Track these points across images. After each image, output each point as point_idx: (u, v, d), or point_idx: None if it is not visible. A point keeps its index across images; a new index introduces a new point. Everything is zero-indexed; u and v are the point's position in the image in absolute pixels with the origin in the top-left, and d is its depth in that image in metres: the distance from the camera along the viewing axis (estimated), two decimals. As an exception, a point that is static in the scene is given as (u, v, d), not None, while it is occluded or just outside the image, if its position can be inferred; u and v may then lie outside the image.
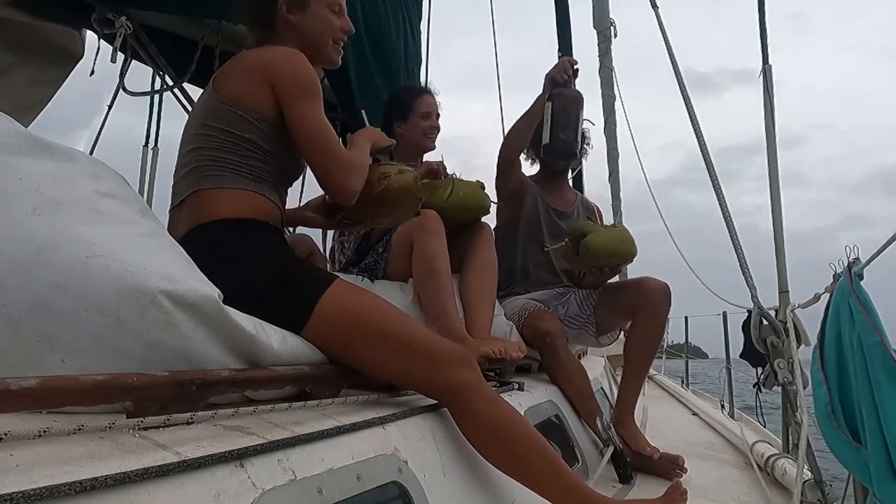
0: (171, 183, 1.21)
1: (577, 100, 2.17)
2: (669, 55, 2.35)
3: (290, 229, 1.96)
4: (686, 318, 6.50)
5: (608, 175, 4.54)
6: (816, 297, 1.63)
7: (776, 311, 1.96)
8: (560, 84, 2.14)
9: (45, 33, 2.02)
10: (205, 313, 0.76)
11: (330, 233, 2.51)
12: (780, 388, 1.93)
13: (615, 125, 4.59)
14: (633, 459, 1.94)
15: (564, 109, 2.13)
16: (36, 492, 0.46)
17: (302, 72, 1.16)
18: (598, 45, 4.59)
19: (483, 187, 1.91)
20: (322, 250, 2.21)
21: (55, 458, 0.52)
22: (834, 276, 1.45)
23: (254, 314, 0.89)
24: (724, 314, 4.76)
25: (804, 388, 1.73)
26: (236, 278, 0.93)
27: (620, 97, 4.59)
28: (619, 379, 2.94)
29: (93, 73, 2.03)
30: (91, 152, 2.45)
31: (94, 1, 1.80)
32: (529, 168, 2.55)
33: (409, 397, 1.13)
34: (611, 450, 1.85)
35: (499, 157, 2.34)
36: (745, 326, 2.09)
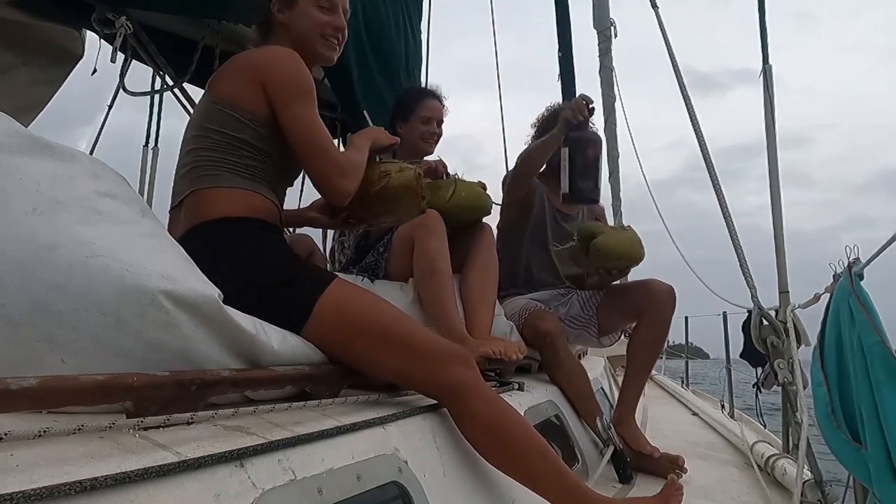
0: (171, 183, 1.22)
1: (596, 144, 2.02)
2: (669, 55, 2.35)
3: (292, 229, 1.96)
4: (686, 318, 6.50)
5: (608, 175, 4.54)
6: (816, 298, 1.63)
7: (776, 311, 1.96)
8: (575, 126, 1.99)
9: (45, 33, 2.02)
10: (205, 313, 0.76)
11: (330, 233, 2.52)
12: (779, 389, 1.93)
13: (615, 125, 4.59)
14: (634, 459, 1.94)
15: (583, 157, 1.98)
16: (36, 492, 0.46)
17: (293, 72, 1.15)
18: (599, 45, 4.59)
19: (485, 188, 1.91)
20: (322, 250, 2.22)
21: (55, 458, 0.52)
22: (834, 276, 1.45)
23: (253, 313, 0.89)
24: (724, 314, 4.77)
25: (804, 388, 1.73)
26: (235, 277, 0.93)
27: (620, 97, 4.60)
28: (619, 379, 2.94)
29: (94, 71, 2.04)
30: (92, 151, 2.46)
31: (94, 1, 1.80)
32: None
33: (409, 397, 1.13)
34: (611, 450, 1.85)
35: (512, 175, 2.31)
36: (746, 326, 2.09)
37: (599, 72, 4.61)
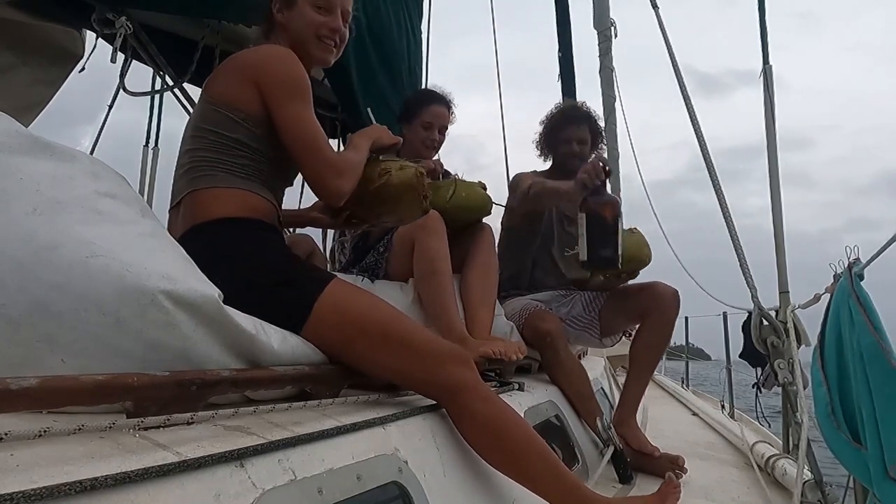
0: (171, 183, 1.22)
1: (614, 208, 1.89)
2: (670, 55, 2.35)
3: (292, 229, 1.96)
4: (686, 318, 6.49)
5: (608, 175, 4.53)
6: (817, 298, 1.63)
7: (776, 311, 1.96)
8: (591, 189, 1.87)
9: (45, 33, 2.02)
10: (205, 313, 0.76)
11: (330, 233, 2.52)
12: (779, 389, 1.93)
13: (615, 125, 4.58)
14: (634, 459, 1.94)
15: (601, 224, 1.86)
16: (36, 492, 0.46)
17: (288, 71, 1.14)
18: (599, 45, 4.59)
19: (485, 188, 1.91)
20: (322, 250, 2.21)
21: (55, 458, 0.52)
22: (834, 276, 1.45)
23: (253, 313, 0.89)
24: (725, 314, 4.76)
25: (804, 388, 1.73)
26: (234, 277, 0.93)
27: (620, 97, 4.59)
28: (619, 379, 2.93)
29: (83, 69, 2.04)
30: (93, 151, 2.46)
31: (94, 1, 1.80)
32: (543, 163, 2.50)
33: (409, 397, 1.13)
34: (611, 450, 1.85)
35: (525, 200, 2.24)
36: (746, 327, 2.09)
37: (599, 72, 4.60)
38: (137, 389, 0.64)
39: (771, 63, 2.25)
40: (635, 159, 4.58)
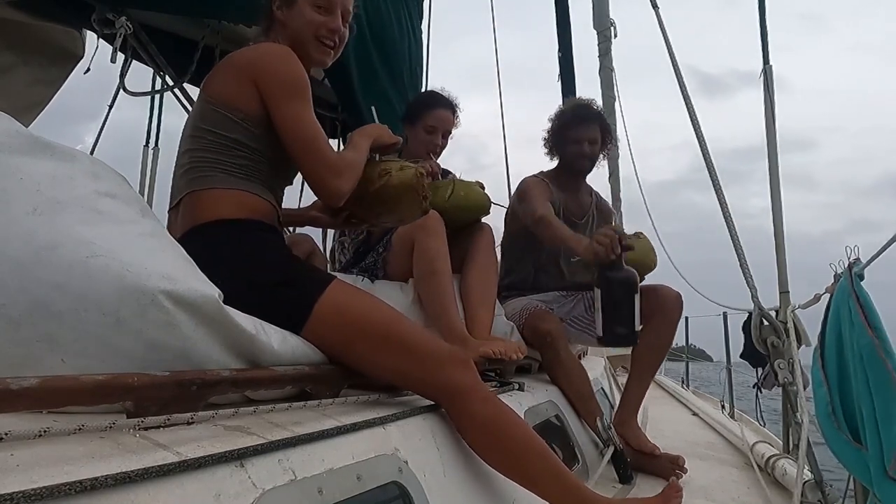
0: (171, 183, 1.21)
1: (631, 284, 1.81)
2: (670, 55, 2.35)
3: (292, 229, 1.96)
4: (686, 318, 6.48)
5: (608, 175, 4.54)
6: (817, 298, 1.63)
7: (777, 311, 1.96)
8: (606, 262, 1.79)
9: (45, 33, 2.02)
10: (205, 313, 0.76)
11: (330, 233, 2.52)
12: (780, 389, 1.93)
13: (615, 125, 4.59)
14: (634, 459, 1.94)
15: (616, 302, 1.80)
16: (36, 492, 0.46)
17: (287, 69, 1.13)
18: (598, 45, 4.59)
19: (483, 187, 1.90)
20: (322, 250, 2.21)
21: (55, 457, 0.52)
22: (835, 276, 1.45)
23: (253, 313, 0.89)
24: (725, 314, 4.76)
25: (804, 388, 1.73)
26: (234, 278, 0.93)
27: (619, 98, 4.60)
28: (619, 379, 2.92)
29: (87, 70, 2.04)
30: (93, 151, 2.46)
31: (94, 1, 1.80)
32: (549, 162, 2.46)
33: (410, 397, 1.13)
34: (611, 450, 1.85)
35: (532, 224, 2.20)
36: (746, 327, 2.09)
37: (599, 72, 4.61)
38: (137, 389, 0.64)
39: (771, 63, 2.25)
40: (632, 159, 4.58)
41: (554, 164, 2.46)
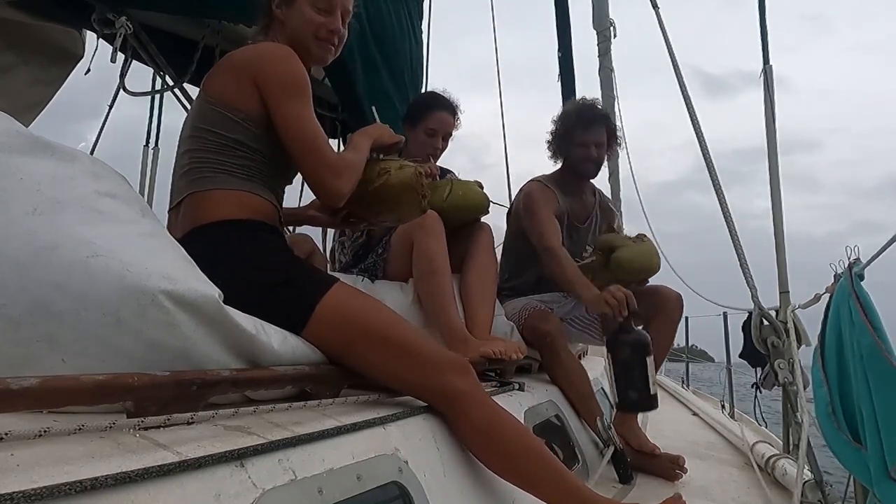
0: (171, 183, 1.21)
1: (643, 348, 1.79)
2: (670, 55, 2.35)
3: (292, 228, 1.96)
4: (686, 318, 6.48)
5: (608, 175, 4.54)
6: (817, 298, 1.63)
7: (777, 311, 1.96)
8: (615, 324, 1.79)
9: (45, 33, 2.02)
10: (205, 313, 0.76)
11: (330, 232, 2.51)
12: (780, 389, 1.93)
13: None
14: (634, 459, 1.93)
15: (628, 367, 1.78)
16: (36, 491, 0.46)
17: (286, 68, 1.13)
18: (598, 45, 4.59)
19: (482, 187, 1.90)
20: (322, 250, 2.21)
21: (56, 457, 0.52)
22: (835, 276, 1.45)
23: (253, 314, 0.89)
24: (725, 314, 4.76)
25: (804, 388, 1.73)
26: (235, 278, 0.93)
27: (617, 98, 4.59)
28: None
29: (88, 71, 2.04)
30: (93, 150, 2.46)
31: (94, 1, 1.80)
32: (553, 164, 2.42)
33: (410, 397, 1.13)
34: (611, 450, 1.85)
35: (539, 250, 2.17)
36: (746, 327, 2.09)
37: (599, 72, 4.60)
38: (137, 389, 0.64)
39: (771, 63, 2.25)
40: (628, 159, 4.58)
41: (557, 165, 2.43)
